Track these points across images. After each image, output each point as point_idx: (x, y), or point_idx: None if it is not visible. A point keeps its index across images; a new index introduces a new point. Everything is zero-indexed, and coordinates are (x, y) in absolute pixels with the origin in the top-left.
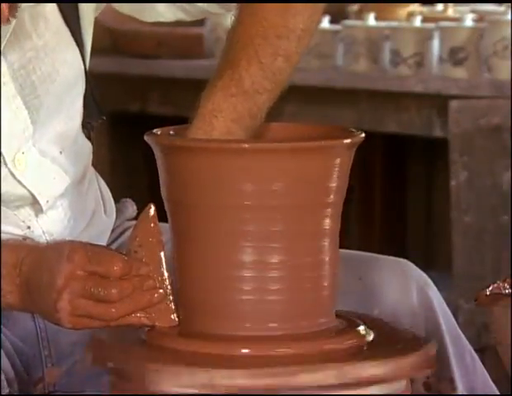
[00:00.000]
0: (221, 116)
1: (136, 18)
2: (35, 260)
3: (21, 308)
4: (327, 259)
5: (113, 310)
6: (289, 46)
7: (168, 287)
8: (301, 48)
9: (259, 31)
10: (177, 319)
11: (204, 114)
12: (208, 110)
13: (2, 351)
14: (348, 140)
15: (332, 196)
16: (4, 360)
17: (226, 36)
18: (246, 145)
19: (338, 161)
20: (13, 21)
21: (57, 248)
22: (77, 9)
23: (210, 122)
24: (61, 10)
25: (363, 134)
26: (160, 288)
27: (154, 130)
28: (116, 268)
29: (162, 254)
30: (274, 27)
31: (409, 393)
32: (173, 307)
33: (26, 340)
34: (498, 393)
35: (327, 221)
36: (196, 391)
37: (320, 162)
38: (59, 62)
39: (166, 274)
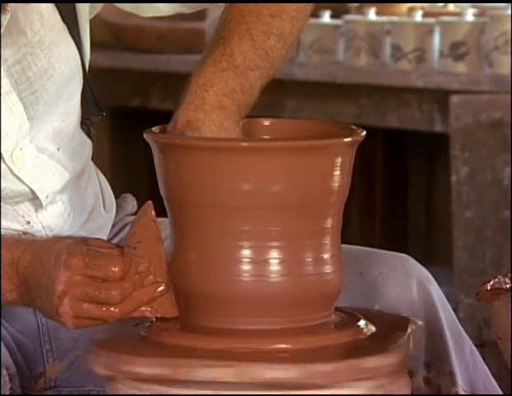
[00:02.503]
0: (212, 90)
1: (136, 14)
2: (32, 260)
3: (22, 305)
4: (328, 256)
5: (116, 310)
6: (282, 25)
7: (169, 281)
8: (295, 29)
9: (252, 9)
10: (178, 311)
11: (195, 89)
12: (199, 84)
13: (3, 346)
14: (349, 139)
15: (334, 195)
16: (5, 354)
17: (220, 16)
18: (245, 143)
19: (339, 159)
20: (7, 15)
21: (54, 252)
22: (73, 5)
23: (201, 96)
24: (57, 6)
25: (364, 132)
26: (161, 282)
27: (153, 128)
28: (114, 270)
29: (161, 249)
30: (267, 6)
31: (408, 390)
32: (174, 299)
33: (28, 335)
34: (498, 388)
35: (328, 220)
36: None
37: (321, 160)
38: (55, 58)
39: (166, 268)
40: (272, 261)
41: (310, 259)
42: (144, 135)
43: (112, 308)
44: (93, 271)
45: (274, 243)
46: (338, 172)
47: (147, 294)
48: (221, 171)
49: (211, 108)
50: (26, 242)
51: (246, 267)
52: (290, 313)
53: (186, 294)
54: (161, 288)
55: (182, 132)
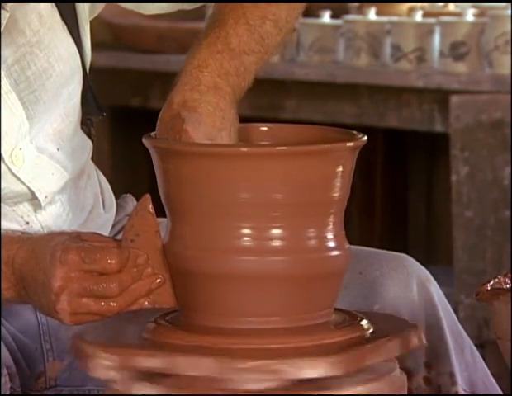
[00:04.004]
0: (207, 72)
1: (137, 12)
2: (27, 257)
3: (20, 302)
4: (328, 258)
5: (114, 304)
6: (278, 12)
7: (166, 272)
8: (291, 17)
9: None
10: (176, 301)
11: (190, 70)
12: (194, 65)
13: (3, 345)
14: (351, 143)
15: (335, 200)
16: (5, 353)
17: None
18: (245, 149)
19: (340, 164)
20: (6, 15)
21: (49, 249)
22: (73, 5)
23: (196, 77)
24: (57, 6)
25: (366, 137)
26: (158, 274)
27: (152, 133)
28: (111, 263)
29: (159, 241)
30: None
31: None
32: (172, 290)
33: (28, 334)
34: (498, 388)
35: (330, 224)
36: None
37: (322, 166)
38: (54, 57)
39: (164, 260)
40: (272, 265)
41: (309, 262)
42: (144, 141)
43: (111, 303)
44: (90, 265)
45: (275, 246)
46: (339, 178)
47: (145, 286)
48: (221, 176)
49: (207, 89)
50: (21, 240)
51: (246, 271)
52: (290, 313)
53: (188, 295)
54: (159, 280)
55: (178, 112)
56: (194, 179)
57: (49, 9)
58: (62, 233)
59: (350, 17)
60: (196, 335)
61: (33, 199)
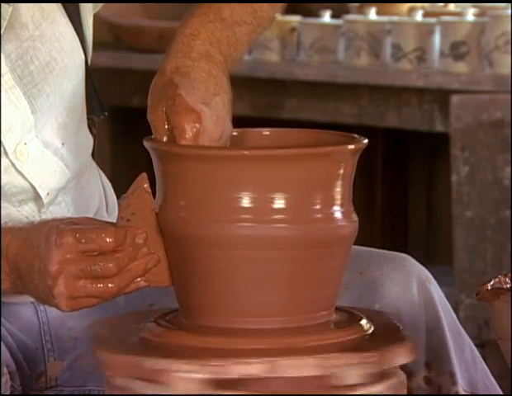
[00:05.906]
0: (199, 40)
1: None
2: (21, 246)
3: (15, 293)
4: (329, 260)
5: (112, 285)
6: None
7: (162, 251)
8: None
9: None
10: (171, 281)
11: (182, 38)
12: (185, 34)
13: (3, 345)
14: (351, 146)
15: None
16: (6, 353)
17: None
18: (246, 152)
19: (341, 167)
20: (9, 9)
21: (43, 234)
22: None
23: (188, 45)
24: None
25: (366, 140)
26: (154, 253)
27: (153, 136)
28: (108, 241)
29: (155, 220)
30: None
31: (405, 388)
32: (167, 269)
33: (29, 333)
34: (498, 388)
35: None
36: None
37: (323, 169)
38: (57, 51)
39: (160, 239)
40: (272, 264)
41: (309, 263)
42: (144, 143)
43: (109, 284)
44: (86, 245)
45: (274, 247)
46: (340, 180)
47: (141, 266)
48: (221, 179)
49: (199, 56)
50: (13, 231)
51: (246, 271)
52: (290, 313)
53: (188, 297)
54: (154, 257)
55: (171, 78)
56: (193, 181)
57: (51, 3)
58: (54, 220)
59: (350, 17)
60: (195, 336)
61: (36, 197)
